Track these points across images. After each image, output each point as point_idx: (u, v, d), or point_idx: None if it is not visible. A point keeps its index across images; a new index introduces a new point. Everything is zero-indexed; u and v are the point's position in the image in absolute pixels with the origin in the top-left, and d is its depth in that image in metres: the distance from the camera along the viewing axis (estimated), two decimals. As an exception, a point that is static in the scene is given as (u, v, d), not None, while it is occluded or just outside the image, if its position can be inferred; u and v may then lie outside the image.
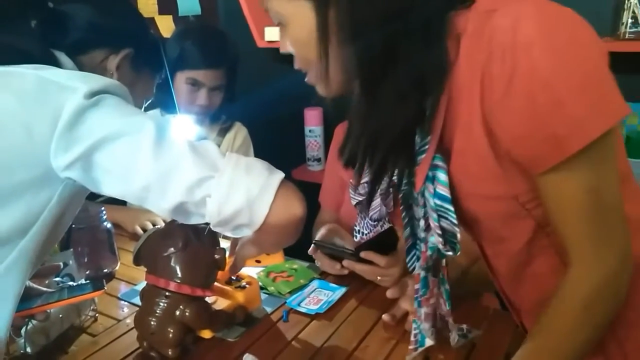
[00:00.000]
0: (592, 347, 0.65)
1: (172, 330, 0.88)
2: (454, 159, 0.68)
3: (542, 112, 0.56)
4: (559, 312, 0.65)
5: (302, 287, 1.12)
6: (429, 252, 0.76)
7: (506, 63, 0.56)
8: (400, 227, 1.11)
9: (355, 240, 1.31)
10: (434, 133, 0.68)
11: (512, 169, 0.64)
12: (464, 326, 0.87)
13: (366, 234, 1.29)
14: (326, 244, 1.15)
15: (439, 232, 0.72)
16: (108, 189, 0.71)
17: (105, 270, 1.19)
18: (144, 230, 1.40)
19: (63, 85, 0.69)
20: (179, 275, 0.89)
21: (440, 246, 0.73)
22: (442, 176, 0.69)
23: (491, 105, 0.60)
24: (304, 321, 1.02)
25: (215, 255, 0.93)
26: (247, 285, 1.04)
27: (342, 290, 1.11)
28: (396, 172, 0.75)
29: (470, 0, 0.64)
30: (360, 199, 1.30)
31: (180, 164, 0.68)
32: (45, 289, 0.88)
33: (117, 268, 1.22)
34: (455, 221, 0.69)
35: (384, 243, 1.08)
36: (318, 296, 1.08)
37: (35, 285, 0.87)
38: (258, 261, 1.22)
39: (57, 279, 1.05)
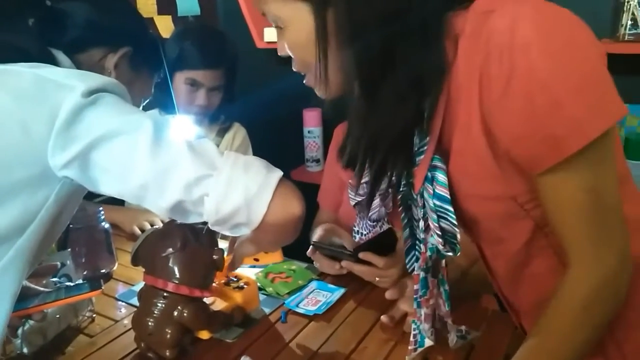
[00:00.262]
0: (592, 348, 0.64)
1: (170, 331, 0.88)
2: (453, 159, 0.68)
3: (540, 113, 0.56)
4: (558, 313, 0.64)
5: (300, 288, 1.12)
6: (428, 253, 0.76)
7: (504, 64, 0.56)
8: (399, 228, 1.11)
9: (354, 240, 1.30)
10: (433, 134, 0.68)
11: (510, 169, 0.63)
12: (463, 327, 0.87)
13: (365, 235, 1.29)
14: (324, 245, 1.14)
15: (439, 232, 0.72)
16: (106, 188, 0.70)
17: (103, 271, 1.19)
18: (142, 231, 1.39)
19: (60, 83, 0.68)
20: (177, 275, 0.88)
21: (440, 247, 0.72)
22: (441, 177, 0.69)
23: (489, 105, 0.60)
24: (302, 322, 1.01)
25: (214, 256, 0.93)
26: (245, 286, 1.04)
27: (340, 292, 1.10)
28: (395, 173, 0.75)
29: (468, 1, 0.64)
30: (360, 199, 1.29)
31: (178, 163, 0.67)
32: (42, 288, 0.88)
33: (114, 268, 1.22)
34: (454, 222, 0.69)
35: (382, 244, 1.08)
36: (316, 297, 1.08)
37: (32, 285, 0.87)
38: (256, 259, 1.21)
39: (55, 279, 1.05)
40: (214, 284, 0.98)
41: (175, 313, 0.88)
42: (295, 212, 0.71)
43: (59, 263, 1.02)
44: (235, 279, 1.06)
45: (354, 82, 0.68)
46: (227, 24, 2.26)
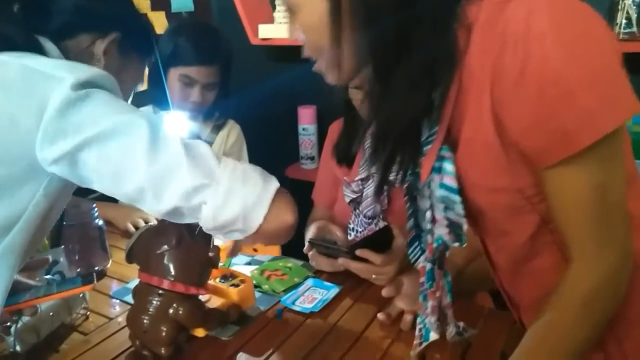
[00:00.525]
0: (591, 346, 0.64)
1: (165, 329, 0.87)
2: (461, 149, 0.68)
3: (552, 104, 0.56)
4: (559, 310, 0.64)
5: (296, 286, 1.11)
6: (435, 244, 0.76)
7: (518, 53, 0.56)
8: (395, 225, 1.11)
9: (350, 237, 1.30)
10: (442, 123, 0.67)
11: (518, 161, 0.63)
12: (461, 324, 0.87)
13: (360, 232, 1.29)
14: (321, 243, 1.14)
15: (446, 223, 0.71)
16: (97, 187, 0.69)
17: (97, 268, 1.18)
18: (136, 228, 1.38)
19: (48, 74, 0.66)
20: (173, 273, 0.88)
21: (447, 237, 0.72)
22: (449, 167, 0.68)
23: (501, 95, 0.59)
24: (298, 320, 1.01)
25: (209, 253, 0.92)
26: (241, 284, 1.03)
27: (336, 289, 1.10)
28: (402, 162, 0.74)
29: None
30: (354, 196, 1.29)
31: (175, 170, 0.66)
32: (33, 282, 0.87)
33: (108, 266, 1.21)
34: (462, 212, 0.69)
35: (379, 241, 1.08)
36: (312, 295, 1.08)
37: (23, 279, 0.86)
38: (255, 250, 1.21)
39: (48, 276, 1.04)
40: (209, 282, 0.97)
41: (171, 311, 0.87)
42: (288, 222, 0.72)
43: (50, 257, 1.00)
44: (230, 277, 1.05)
45: (366, 67, 0.68)
46: (221, 20, 2.25)
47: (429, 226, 0.76)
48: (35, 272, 0.93)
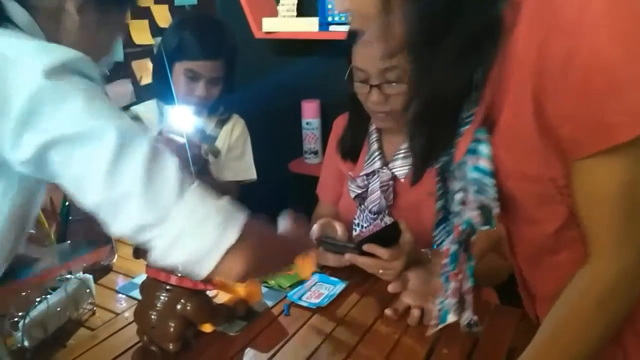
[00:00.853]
0: (605, 344, 0.64)
1: (173, 324, 0.87)
2: (498, 133, 0.67)
3: (597, 94, 0.55)
4: (573, 307, 0.64)
5: (302, 281, 1.11)
6: (462, 227, 0.75)
7: (569, 40, 0.55)
8: (402, 220, 1.11)
9: (355, 233, 1.30)
10: (482, 105, 0.67)
11: (553, 149, 0.62)
12: (475, 317, 0.86)
13: (365, 227, 1.29)
14: (328, 240, 1.14)
15: (477, 205, 0.71)
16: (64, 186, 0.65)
17: (103, 263, 1.18)
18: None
19: (13, 60, 0.60)
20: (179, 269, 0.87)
21: (476, 220, 0.72)
22: (484, 149, 0.68)
23: (545, 81, 0.58)
24: (305, 315, 1.01)
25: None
26: (247, 279, 1.03)
27: (343, 284, 1.10)
28: (439, 142, 0.73)
29: None
30: (359, 191, 1.29)
31: (128, 201, 0.61)
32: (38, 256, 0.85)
33: (114, 260, 1.21)
34: (495, 195, 0.68)
35: (386, 237, 1.07)
36: (319, 290, 1.08)
37: (30, 254, 0.84)
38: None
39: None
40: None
41: (179, 306, 0.87)
42: (239, 274, 0.68)
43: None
44: (237, 272, 1.05)
45: (415, 37, 0.66)
46: (224, 13, 2.23)
47: (458, 208, 0.75)
48: (38, 244, 0.90)
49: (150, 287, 0.90)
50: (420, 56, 0.68)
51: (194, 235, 0.63)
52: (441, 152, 0.73)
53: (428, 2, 0.62)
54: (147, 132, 0.67)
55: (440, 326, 0.85)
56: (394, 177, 1.24)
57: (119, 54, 1.86)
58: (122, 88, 1.92)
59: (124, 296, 1.09)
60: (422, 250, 1.12)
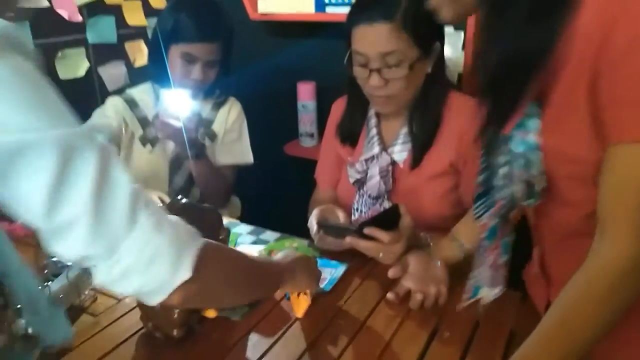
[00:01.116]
0: (611, 329, 0.65)
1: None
2: (548, 110, 0.68)
3: None
4: (584, 292, 0.65)
5: (303, 265, 1.11)
6: (504, 201, 0.76)
7: (636, 27, 0.56)
8: (402, 204, 1.11)
9: (354, 218, 1.30)
10: (539, 78, 0.67)
11: (595, 131, 0.63)
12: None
13: (365, 212, 1.29)
14: (329, 225, 1.14)
15: (521, 180, 0.71)
16: None
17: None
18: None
19: None
20: (184, 255, 0.87)
21: (519, 195, 0.72)
22: (534, 124, 0.68)
23: (606, 60, 0.59)
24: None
25: (219, 236, 0.92)
26: (249, 264, 1.03)
27: (343, 267, 1.11)
28: (497, 112, 0.73)
29: None
30: (359, 176, 1.29)
31: (72, 231, 0.54)
32: None
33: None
34: (541, 170, 0.69)
35: (387, 221, 1.08)
36: (322, 274, 1.08)
37: None
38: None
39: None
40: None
41: (183, 293, 0.87)
42: (192, 304, 0.72)
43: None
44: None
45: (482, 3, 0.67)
46: (218, -6, 2.20)
47: (501, 182, 0.75)
48: None
49: (153, 273, 0.90)
50: (490, 19, 0.67)
51: (142, 272, 0.58)
52: (504, 120, 0.72)
53: None
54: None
55: (471, 300, 0.85)
56: (393, 162, 1.24)
57: (112, 36, 1.83)
58: (116, 70, 1.89)
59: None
60: (421, 234, 1.13)
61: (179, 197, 0.97)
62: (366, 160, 1.28)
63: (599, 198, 0.65)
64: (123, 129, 1.56)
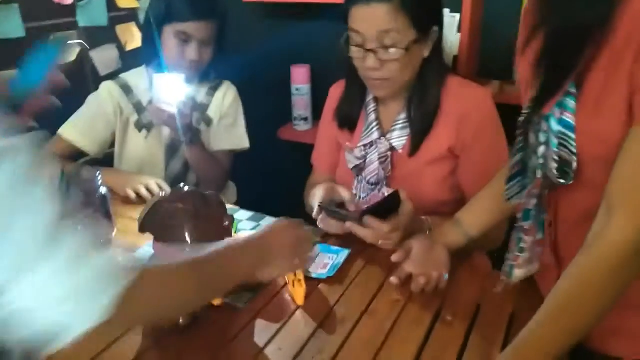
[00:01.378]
0: (615, 304, 0.67)
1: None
2: (587, 88, 0.68)
3: None
4: (587, 275, 0.67)
5: (305, 251, 1.12)
6: (541, 180, 0.77)
7: None
8: (403, 190, 1.12)
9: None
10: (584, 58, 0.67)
11: (631, 114, 0.64)
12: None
13: (364, 197, 1.29)
14: (331, 208, 1.14)
15: (556, 158, 0.72)
16: None
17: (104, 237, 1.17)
18: (137, 194, 1.37)
19: None
20: (190, 242, 0.88)
21: (554, 173, 0.73)
22: (571, 103, 0.69)
23: None
24: (310, 285, 1.01)
25: (224, 223, 0.92)
26: (252, 251, 1.03)
27: (346, 252, 1.11)
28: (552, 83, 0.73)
29: None
30: (357, 162, 1.29)
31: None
32: None
33: (114, 234, 1.20)
34: (574, 150, 0.70)
35: (387, 207, 1.08)
36: (323, 260, 1.09)
37: None
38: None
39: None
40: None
41: (189, 280, 0.87)
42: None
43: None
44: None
45: None
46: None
47: (541, 161, 0.76)
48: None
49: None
50: None
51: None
52: (552, 96, 0.73)
53: None
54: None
55: (509, 280, 0.87)
56: (392, 148, 1.24)
57: (102, 19, 1.80)
58: (108, 53, 1.86)
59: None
60: (422, 217, 1.14)
61: (182, 184, 0.97)
62: (365, 146, 1.27)
63: (611, 179, 0.66)
64: (118, 114, 1.54)
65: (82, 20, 1.75)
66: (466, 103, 1.20)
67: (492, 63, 1.74)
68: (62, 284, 0.52)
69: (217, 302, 0.95)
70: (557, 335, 0.70)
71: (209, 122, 1.60)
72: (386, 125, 1.27)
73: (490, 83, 1.66)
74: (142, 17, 1.83)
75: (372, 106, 1.28)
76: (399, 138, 1.24)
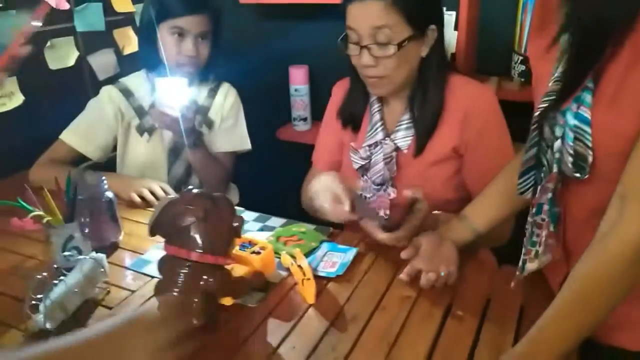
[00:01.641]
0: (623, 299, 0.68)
1: (196, 300, 0.87)
2: (604, 83, 0.69)
3: None
4: (603, 268, 0.67)
5: (313, 251, 1.13)
6: (556, 174, 0.77)
7: None
8: (420, 189, 1.12)
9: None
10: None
11: None
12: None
13: (369, 197, 1.29)
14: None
15: (572, 152, 0.73)
16: None
17: (111, 241, 1.17)
18: (141, 197, 1.37)
19: None
20: (201, 244, 0.88)
21: (567, 168, 0.74)
22: (588, 97, 0.70)
23: None
24: (319, 283, 1.02)
25: (234, 223, 0.92)
26: (261, 251, 1.04)
27: (354, 251, 1.12)
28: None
29: None
30: (363, 163, 1.29)
31: None
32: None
33: (120, 237, 1.20)
34: (590, 144, 0.70)
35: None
36: (332, 259, 1.09)
37: None
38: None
39: (66, 253, 1.03)
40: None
41: (202, 282, 0.88)
42: None
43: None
44: (249, 245, 1.06)
45: None
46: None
47: (557, 155, 0.76)
48: None
49: (170, 264, 0.90)
50: None
51: None
52: (575, 90, 0.73)
53: None
54: None
55: (522, 275, 0.87)
56: (397, 149, 1.25)
57: (100, 23, 1.79)
58: (106, 58, 1.86)
59: (134, 272, 1.09)
60: (434, 212, 1.15)
61: (191, 187, 0.97)
62: (369, 146, 1.28)
63: (625, 172, 0.67)
64: (119, 118, 1.54)
65: (80, 25, 1.75)
66: (470, 102, 1.21)
67: (490, 60, 1.76)
68: None
69: (228, 302, 0.95)
70: (570, 330, 0.71)
71: (210, 124, 1.61)
72: (390, 125, 1.28)
73: (488, 80, 1.68)
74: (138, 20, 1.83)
75: (376, 106, 1.28)
76: (404, 138, 1.24)
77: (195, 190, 0.93)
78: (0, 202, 1.04)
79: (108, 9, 1.82)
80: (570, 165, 0.74)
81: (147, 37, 1.48)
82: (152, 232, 0.94)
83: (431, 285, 1.00)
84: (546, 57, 0.82)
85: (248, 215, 1.32)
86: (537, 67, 0.89)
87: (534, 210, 0.83)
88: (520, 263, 0.87)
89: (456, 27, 1.66)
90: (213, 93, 1.62)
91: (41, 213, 1.03)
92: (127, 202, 1.37)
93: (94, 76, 1.84)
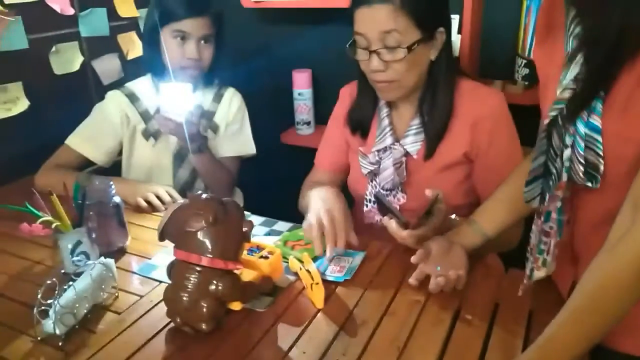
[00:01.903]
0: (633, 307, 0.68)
1: (206, 305, 0.88)
2: (616, 91, 0.69)
3: None
4: (613, 276, 0.67)
5: (321, 256, 1.13)
6: (565, 183, 0.77)
7: None
8: (436, 190, 1.12)
9: (366, 209, 1.31)
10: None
11: None
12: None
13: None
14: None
15: (582, 161, 0.73)
16: None
17: (119, 245, 1.17)
18: (147, 202, 1.37)
19: None
20: (211, 249, 0.88)
21: (578, 177, 0.73)
22: (598, 106, 0.70)
23: None
24: (328, 287, 1.02)
25: (243, 228, 0.92)
26: (269, 255, 1.04)
27: (361, 255, 1.12)
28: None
29: None
30: (372, 168, 1.29)
31: None
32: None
33: (127, 242, 1.20)
34: (601, 152, 0.70)
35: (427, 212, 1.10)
36: (339, 263, 1.09)
37: None
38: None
39: (74, 258, 1.03)
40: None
41: (212, 287, 0.88)
42: None
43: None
44: (257, 249, 1.06)
45: None
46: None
47: (567, 164, 0.76)
48: None
49: (179, 269, 0.90)
50: None
51: None
52: (592, 97, 0.73)
53: None
54: None
55: (528, 283, 0.87)
56: (407, 154, 1.25)
57: (104, 28, 1.80)
58: (111, 63, 1.86)
59: (141, 277, 1.09)
60: (450, 216, 1.15)
61: (199, 192, 0.97)
62: (379, 151, 1.27)
63: (636, 180, 0.66)
64: (125, 123, 1.54)
65: (84, 31, 1.75)
66: (480, 107, 1.20)
67: (493, 63, 1.76)
68: None
69: (237, 307, 0.95)
70: (580, 336, 0.70)
71: (215, 129, 1.61)
72: (400, 130, 1.27)
73: (492, 83, 1.68)
74: (142, 25, 1.83)
75: (385, 111, 1.28)
76: (414, 143, 1.24)
77: (204, 195, 0.93)
78: (10, 207, 1.05)
79: (112, 14, 1.83)
80: (581, 174, 0.74)
81: (151, 41, 1.49)
82: (162, 237, 0.94)
83: (440, 289, 1.00)
84: (552, 62, 0.82)
85: (254, 220, 1.32)
86: (543, 71, 0.90)
87: (542, 218, 0.83)
88: (528, 271, 0.87)
89: (460, 31, 1.66)
90: (218, 98, 1.62)
91: (50, 218, 1.03)
92: (134, 206, 1.37)
93: (99, 81, 1.84)
